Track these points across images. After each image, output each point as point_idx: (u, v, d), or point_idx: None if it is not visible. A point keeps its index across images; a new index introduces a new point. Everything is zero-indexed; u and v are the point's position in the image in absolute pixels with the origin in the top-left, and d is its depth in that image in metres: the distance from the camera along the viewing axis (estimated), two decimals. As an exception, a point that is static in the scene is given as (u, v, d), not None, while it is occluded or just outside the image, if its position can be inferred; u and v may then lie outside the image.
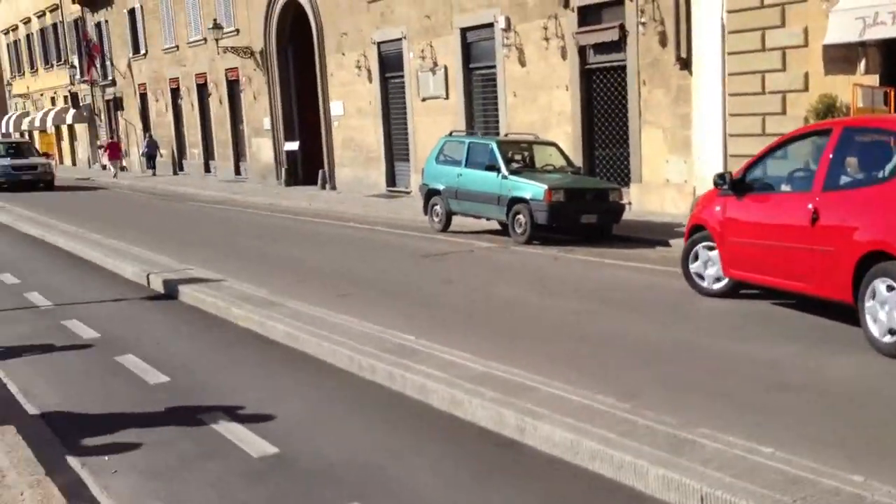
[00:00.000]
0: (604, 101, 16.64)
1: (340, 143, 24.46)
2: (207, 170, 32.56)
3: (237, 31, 28.35)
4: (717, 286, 8.61)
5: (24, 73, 52.28)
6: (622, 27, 15.71)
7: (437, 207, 15.00)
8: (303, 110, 26.74)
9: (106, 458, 5.12)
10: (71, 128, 44.78)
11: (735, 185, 8.19)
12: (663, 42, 15.14)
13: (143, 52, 35.76)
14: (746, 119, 13.99)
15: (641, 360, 6.44)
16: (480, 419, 5.35)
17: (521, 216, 12.99)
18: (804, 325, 7.55)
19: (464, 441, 5.18)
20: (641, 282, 9.97)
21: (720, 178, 8.38)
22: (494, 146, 13.89)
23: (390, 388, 6.16)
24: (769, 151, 8.31)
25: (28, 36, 49.94)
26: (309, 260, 12.21)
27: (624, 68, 16.00)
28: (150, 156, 37.09)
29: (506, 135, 17.20)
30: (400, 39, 21.39)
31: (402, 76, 21.60)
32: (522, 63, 17.95)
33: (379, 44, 22.23)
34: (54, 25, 45.09)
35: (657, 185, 15.63)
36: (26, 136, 46.72)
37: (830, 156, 7.23)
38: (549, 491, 4.46)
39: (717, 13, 14.22)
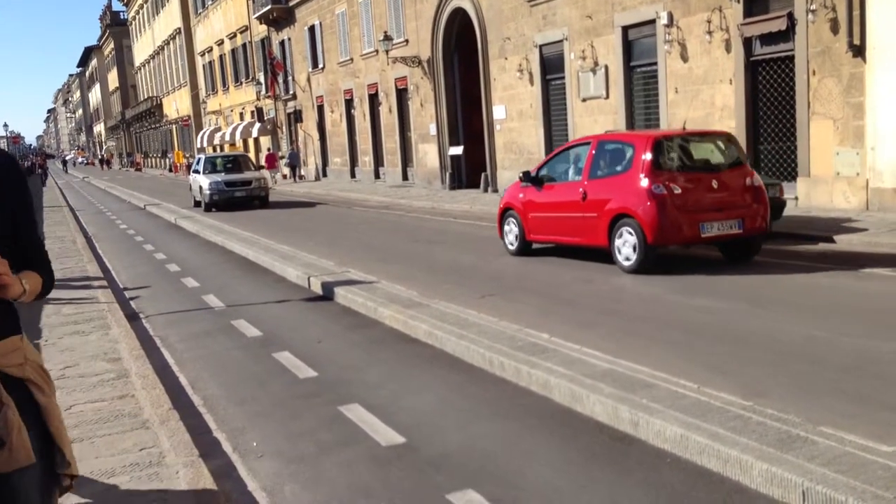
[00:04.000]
0: (769, 93, 16.05)
1: (502, 146, 24.82)
2: (377, 176, 33.86)
3: (406, 41, 29.35)
4: (513, 247, 12.81)
5: (217, 91, 56.30)
6: (790, 16, 15.10)
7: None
8: (467, 115, 27.36)
9: (254, 443, 5.65)
10: (256, 140, 47.74)
11: (532, 179, 12.38)
12: (834, 29, 14.45)
13: (320, 66, 37.66)
14: (925, 106, 13.17)
15: (779, 359, 6.32)
16: (598, 414, 5.48)
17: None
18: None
19: (579, 434, 5.33)
20: (795, 279, 9.63)
21: (524, 175, 12.61)
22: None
23: (517, 383, 6.38)
24: (553, 156, 12.59)
25: (221, 56, 53.74)
26: (463, 261, 12.59)
27: (792, 58, 15.38)
28: (293, 166, 39.14)
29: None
30: (561, 41, 21.48)
31: (563, 77, 21.66)
32: (684, 58, 17.60)
33: (541, 46, 22.41)
34: (244, 45, 48.30)
35: (826, 178, 14.92)
36: (223, 150, 49.94)
37: (592, 158, 11.38)
38: (652, 481, 4.55)
39: (892, -3, 13.44)
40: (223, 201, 25.53)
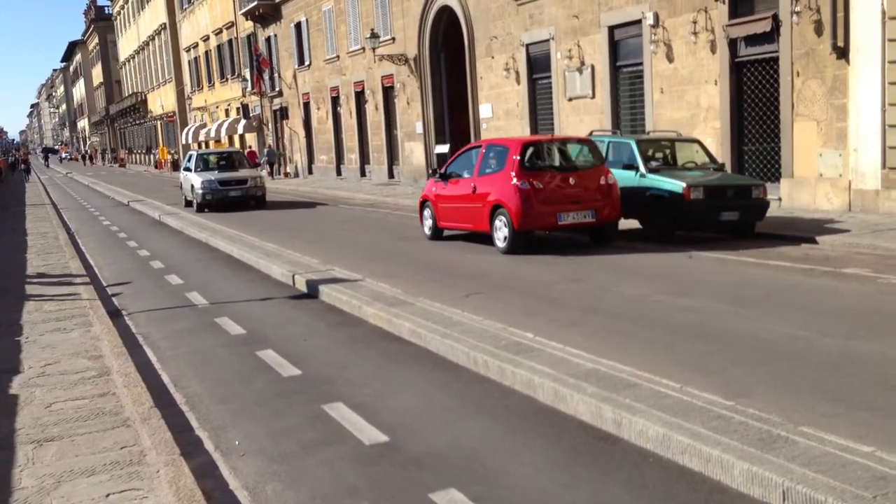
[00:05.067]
0: (754, 94, 16.15)
1: (489, 145, 24.81)
2: (363, 174, 33.82)
3: (393, 39, 29.33)
4: (429, 233, 14.87)
5: (202, 88, 56.07)
6: (775, 17, 15.21)
7: (577, 206, 15.21)
8: (453, 114, 27.38)
9: (237, 442, 5.62)
10: (242, 137, 47.57)
11: (442, 175, 14.48)
12: (819, 31, 14.55)
13: (307, 63, 37.57)
14: (907, 108, 13.27)
15: (761, 359, 6.36)
16: (581, 413, 5.49)
17: (658, 214, 12.85)
18: None
19: (563, 434, 5.34)
20: (778, 280, 9.68)
21: (433, 171, 15.55)
22: (633, 144, 13.79)
23: (501, 382, 6.39)
24: (458, 156, 14.73)
25: (207, 52, 53.53)
26: (448, 258, 12.59)
27: (776, 60, 15.48)
28: (270, 163, 39.08)
29: (648, 133, 17.01)
30: (548, 40, 21.53)
31: (550, 77, 21.72)
32: (670, 59, 17.68)
33: (527, 45, 22.46)
34: (230, 42, 48.13)
35: (809, 179, 15.02)
36: (208, 146, 49.68)
37: (481, 158, 13.59)
38: (634, 481, 4.57)
39: (877, -1, 13.54)
40: (217, 201, 24.04)
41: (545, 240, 13.91)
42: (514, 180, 12.44)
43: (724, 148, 16.42)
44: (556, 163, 13.31)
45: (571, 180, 12.71)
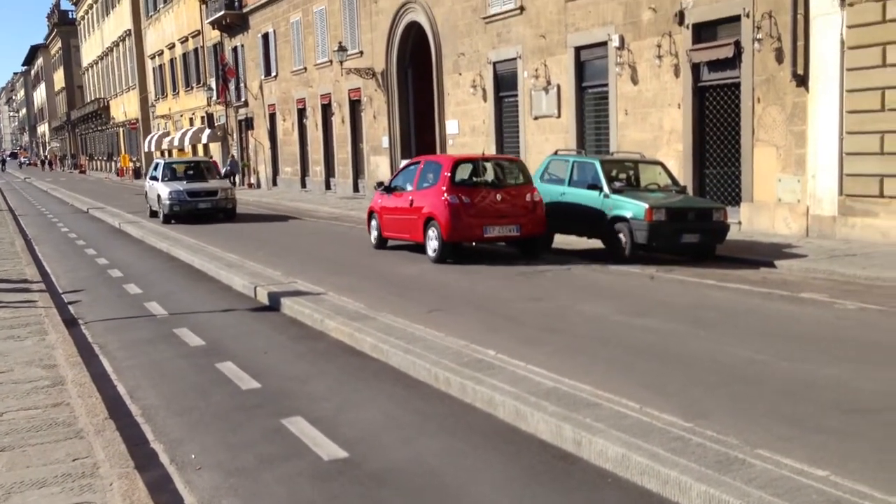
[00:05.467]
0: (716, 118, 16.38)
1: (455, 162, 24.87)
2: (328, 186, 33.69)
3: (361, 52, 29.33)
4: (375, 243, 15.70)
5: (166, 95, 55.54)
6: (737, 44, 15.46)
7: (540, 226, 15.27)
8: (420, 129, 27.41)
9: (192, 455, 5.54)
10: (206, 147, 47.18)
11: (386, 188, 15.44)
12: (779, 58, 14.82)
13: (273, 74, 37.41)
14: (865, 137, 13.56)
15: (720, 381, 6.43)
16: (541, 432, 5.50)
17: (621, 235, 12.98)
18: None
19: (523, 452, 5.34)
20: (737, 303, 9.81)
21: (379, 184, 16.29)
22: (597, 165, 13.91)
23: (462, 399, 6.38)
24: (402, 170, 15.86)
25: (172, 60, 53.07)
26: (403, 274, 12.59)
27: (738, 85, 15.73)
28: (232, 174, 38.94)
29: (611, 154, 17.17)
30: (515, 59, 21.67)
31: (516, 95, 21.85)
32: (634, 81, 17.88)
33: (494, 63, 22.58)
34: (195, 50, 47.77)
35: (768, 204, 15.26)
36: (171, 155, 49.25)
37: (419, 173, 14.50)
38: (593, 501, 4.59)
39: (836, 29, 13.82)
40: (185, 213, 22.96)
41: (482, 252, 14.65)
42: (445, 195, 13.39)
43: (685, 170, 16.63)
44: (486, 179, 14.40)
45: (498, 196, 13.61)
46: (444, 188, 13.45)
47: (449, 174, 13.56)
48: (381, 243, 15.59)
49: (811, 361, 7.01)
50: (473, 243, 14.23)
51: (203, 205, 23.31)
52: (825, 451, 4.84)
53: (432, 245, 13.64)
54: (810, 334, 8.13)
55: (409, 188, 14.62)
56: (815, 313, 9.17)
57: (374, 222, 15.73)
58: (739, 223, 15.46)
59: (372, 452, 5.44)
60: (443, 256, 13.43)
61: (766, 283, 11.03)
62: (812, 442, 5.01)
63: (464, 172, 14.28)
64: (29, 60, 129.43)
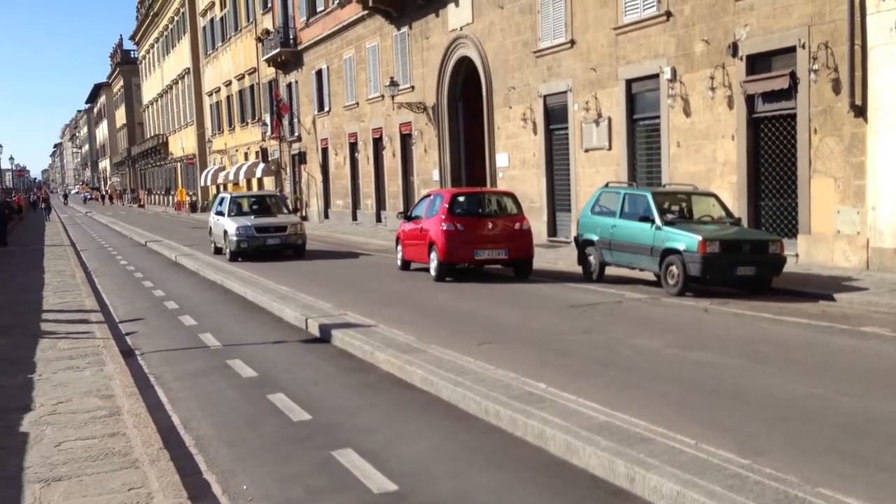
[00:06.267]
0: (771, 150, 16.16)
1: (505, 194, 24.89)
2: (379, 219, 33.93)
3: (412, 87, 29.64)
4: (399, 265, 17.76)
5: (223, 131, 56.70)
6: (793, 74, 15.27)
7: (591, 258, 15.10)
8: (470, 162, 27.53)
9: (244, 486, 5.57)
10: (260, 181, 47.93)
11: (407, 217, 17.87)
12: (836, 89, 14.59)
13: (326, 109, 37.98)
14: (925, 167, 13.24)
15: (777, 417, 6.28)
16: (593, 467, 5.41)
17: (673, 267, 12.83)
18: None
19: (574, 487, 5.26)
20: (794, 336, 9.59)
21: (400, 213, 19.94)
22: (649, 197, 13.80)
23: (512, 433, 6.32)
24: (420, 201, 18.26)
25: (228, 97, 54.23)
26: (458, 307, 12.57)
27: (794, 116, 15.51)
28: None
29: (663, 186, 17.02)
30: (565, 92, 21.69)
31: (567, 128, 21.83)
32: (687, 113, 17.75)
33: (545, 96, 22.61)
34: (251, 87, 48.76)
35: (826, 236, 14.95)
36: (226, 189, 50.07)
37: (429, 204, 16.81)
38: (645, 540, 4.48)
39: (894, 58, 13.58)
40: (253, 249, 21.61)
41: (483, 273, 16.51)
42: (443, 223, 15.70)
43: (740, 202, 16.40)
44: (480, 210, 16.77)
45: (490, 224, 16.00)
46: (443, 217, 15.81)
47: (447, 205, 15.98)
48: (405, 265, 17.65)
49: (873, 397, 6.82)
50: (467, 264, 16.13)
51: (272, 241, 22.00)
52: (889, 489, 4.69)
53: (433, 265, 15.90)
54: (872, 369, 7.91)
55: (421, 217, 16.90)
56: (876, 347, 8.93)
57: (399, 247, 17.92)
58: (796, 255, 15.17)
59: (421, 485, 5.41)
60: (441, 275, 15.66)
61: (826, 316, 10.78)
62: (875, 480, 4.86)
63: (462, 204, 16.59)
64: (92, 98, 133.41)
